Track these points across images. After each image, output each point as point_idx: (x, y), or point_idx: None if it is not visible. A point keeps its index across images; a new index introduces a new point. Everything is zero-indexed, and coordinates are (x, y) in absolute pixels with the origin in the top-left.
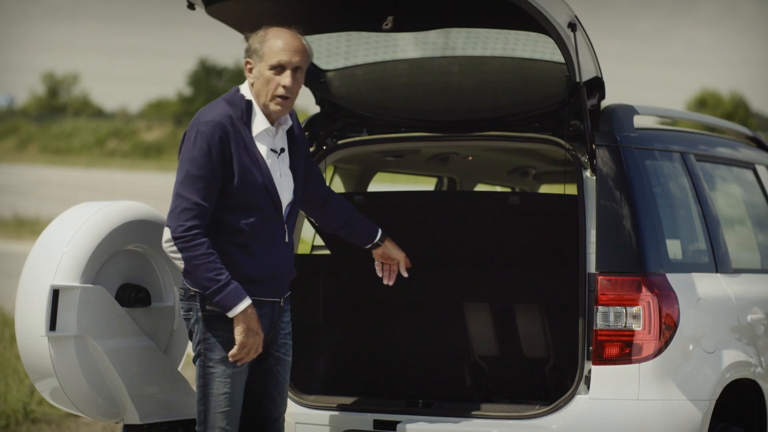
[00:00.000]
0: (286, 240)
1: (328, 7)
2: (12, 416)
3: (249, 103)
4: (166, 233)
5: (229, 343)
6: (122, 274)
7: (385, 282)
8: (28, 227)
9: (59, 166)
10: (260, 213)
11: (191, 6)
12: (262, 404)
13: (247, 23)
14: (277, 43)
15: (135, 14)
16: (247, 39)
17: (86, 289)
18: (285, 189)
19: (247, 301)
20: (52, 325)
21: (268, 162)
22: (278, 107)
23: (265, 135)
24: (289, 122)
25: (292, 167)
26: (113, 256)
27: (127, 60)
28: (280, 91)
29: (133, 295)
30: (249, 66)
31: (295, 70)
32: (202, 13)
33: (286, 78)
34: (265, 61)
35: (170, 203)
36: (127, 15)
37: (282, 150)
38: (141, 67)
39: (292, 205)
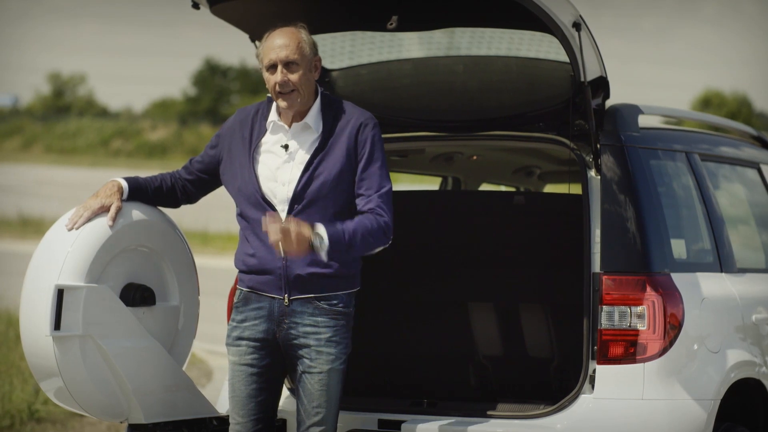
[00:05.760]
0: None
1: (332, 7)
2: (17, 416)
3: (270, 99)
4: None
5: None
6: (127, 273)
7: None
8: (33, 227)
9: (64, 165)
10: (248, 200)
11: (196, 5)
12: (303, 414)
13: (251, 23)
14: (267, 44)
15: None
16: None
17: (91, 289)
18: (278, 183)
19: None
20: (57, 325)
21: (266, 153)
22: (284, 103)
23: (276, 127)
24: (309, 121)
25: (308, 164)
26: (118, 255)
27: (131, 60)
28: (277, 88)
29: (137, 295)
30: (263, 72)
31: (287, 64)
32: (206, 13)
33: (278, 75)
34: (263, 65)
35: None
36: (131, 15)
37: (286, 146)
38: (145, 67)
39: (295, 201)
